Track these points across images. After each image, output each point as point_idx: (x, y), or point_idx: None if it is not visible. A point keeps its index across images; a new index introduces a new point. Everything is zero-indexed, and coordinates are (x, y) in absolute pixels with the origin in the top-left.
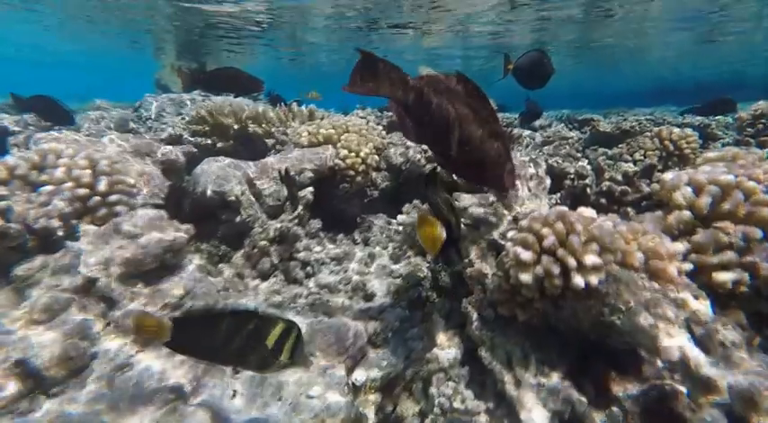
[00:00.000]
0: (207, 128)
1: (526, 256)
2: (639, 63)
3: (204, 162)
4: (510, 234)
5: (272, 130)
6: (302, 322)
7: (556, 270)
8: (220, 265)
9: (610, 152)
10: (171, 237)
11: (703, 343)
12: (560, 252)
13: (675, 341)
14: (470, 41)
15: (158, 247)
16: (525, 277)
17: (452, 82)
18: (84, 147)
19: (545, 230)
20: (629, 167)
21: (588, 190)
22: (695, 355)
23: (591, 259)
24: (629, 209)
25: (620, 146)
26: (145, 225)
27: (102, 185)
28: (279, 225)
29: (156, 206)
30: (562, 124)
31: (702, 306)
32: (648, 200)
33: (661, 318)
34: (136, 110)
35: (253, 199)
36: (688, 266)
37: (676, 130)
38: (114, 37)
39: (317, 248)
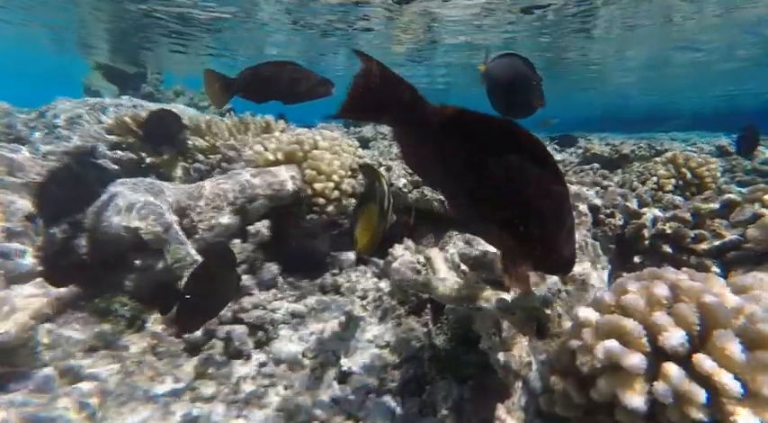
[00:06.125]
0: (132, 139)
1: (633, 361)
2: (593, 90)
3: (113, 185)
4: (581, 313)
5: (218, 143)
6: None
7: (700, 396)
8: (127, 336)
9: (618, 179)
10: (6, 325)
11: None
12: (705, 364)
13: None
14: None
15: None
16: (634, 401)
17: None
18: None
19: (659, 316)
20: (706, 205)
21: (645, 232)
22: None
23: None
24: (707, 261)
25: (619, 171)
26: None
27: None
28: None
29: (10, 256)
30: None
31: None
32: (736, 249)
33: None
34: (42, 115)
35: (183, 237)
36: None
37: (693, 155)
38: (34, 29)
39: (274, 303)
